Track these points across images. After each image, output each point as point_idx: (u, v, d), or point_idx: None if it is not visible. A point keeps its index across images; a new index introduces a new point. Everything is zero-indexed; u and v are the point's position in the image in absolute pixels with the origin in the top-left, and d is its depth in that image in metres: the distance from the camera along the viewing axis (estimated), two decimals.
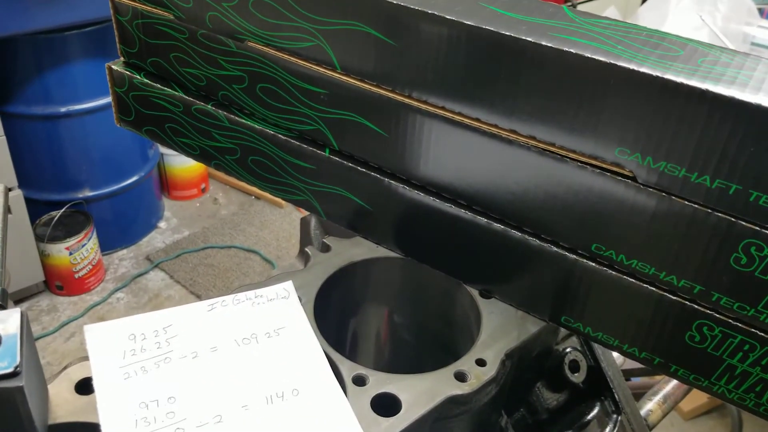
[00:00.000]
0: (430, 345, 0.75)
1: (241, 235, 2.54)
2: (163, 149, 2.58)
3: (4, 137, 1.91)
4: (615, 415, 0.69)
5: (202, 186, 2.75)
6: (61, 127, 2.15)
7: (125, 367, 0.57)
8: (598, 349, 0.71)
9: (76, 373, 0.57)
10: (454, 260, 0.65)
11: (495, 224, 0.59)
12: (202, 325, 0.61)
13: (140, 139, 2.47)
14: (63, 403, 0.54)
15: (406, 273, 0.71)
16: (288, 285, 0.65)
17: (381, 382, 0.57)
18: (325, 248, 0.70)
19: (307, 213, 0.76)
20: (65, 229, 2.17)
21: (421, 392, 0.56)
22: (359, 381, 0.57)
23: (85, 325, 0.59)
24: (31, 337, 0.51)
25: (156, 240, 2.53)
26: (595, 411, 0.69)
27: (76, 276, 2.21)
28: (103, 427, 0.52)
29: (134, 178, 2.37)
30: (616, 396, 0.70)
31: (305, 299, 0.64)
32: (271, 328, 0.61)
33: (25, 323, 0.49)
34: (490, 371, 0.58)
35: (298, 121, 0.67)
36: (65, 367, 0.58)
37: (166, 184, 2.70)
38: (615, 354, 0.72)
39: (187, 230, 2.57)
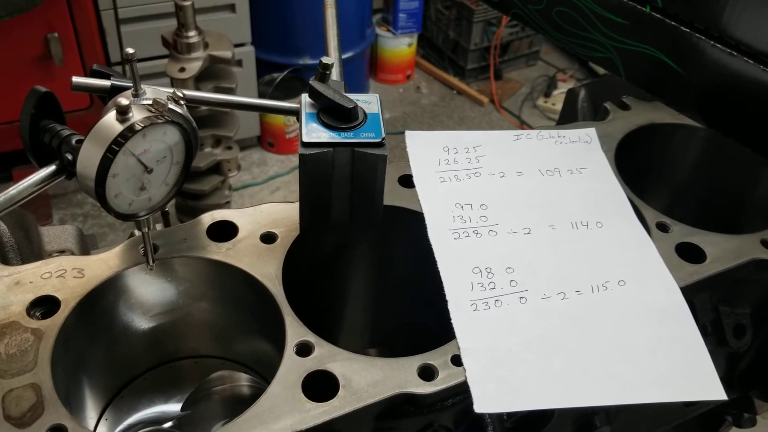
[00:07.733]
0: (704, 219, 0.74)
1: (440, 126, 2.58)
2: (379, 30, 2.65)
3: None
4: None
5: (408, 73, 2.80)
6: None
7: (440, 173, 0.62)
8: None
9: (397, 171, 0.62)
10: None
11: None
12: (508, 151, 0.64)
13: (362, 16, 2.55)
14: (389, 192, 0.60)
15: (707, 144, 0.69)
16: (591, 131, 0.66)
17: (685, 234, 0.57)
18: (624, 106, 0.70)
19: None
20: (284, 91, 2.31)
21: (726, 250, 0.56)
22: (662, 227, 0.58)
23: (406, 131, 0.64)
24: None
25: None
26: None
27: (287, 137, 2.37)
28: (426, 216, 0.57)
29: (350, 54, 2.46)
30: None
31: (605, 148, 0.65)
32: (573, 165, 0.63)
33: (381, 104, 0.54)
34: None
35: None
36: None
37: (374, 66, 2.78)
38: None
39: (389, 113, 2.65)
